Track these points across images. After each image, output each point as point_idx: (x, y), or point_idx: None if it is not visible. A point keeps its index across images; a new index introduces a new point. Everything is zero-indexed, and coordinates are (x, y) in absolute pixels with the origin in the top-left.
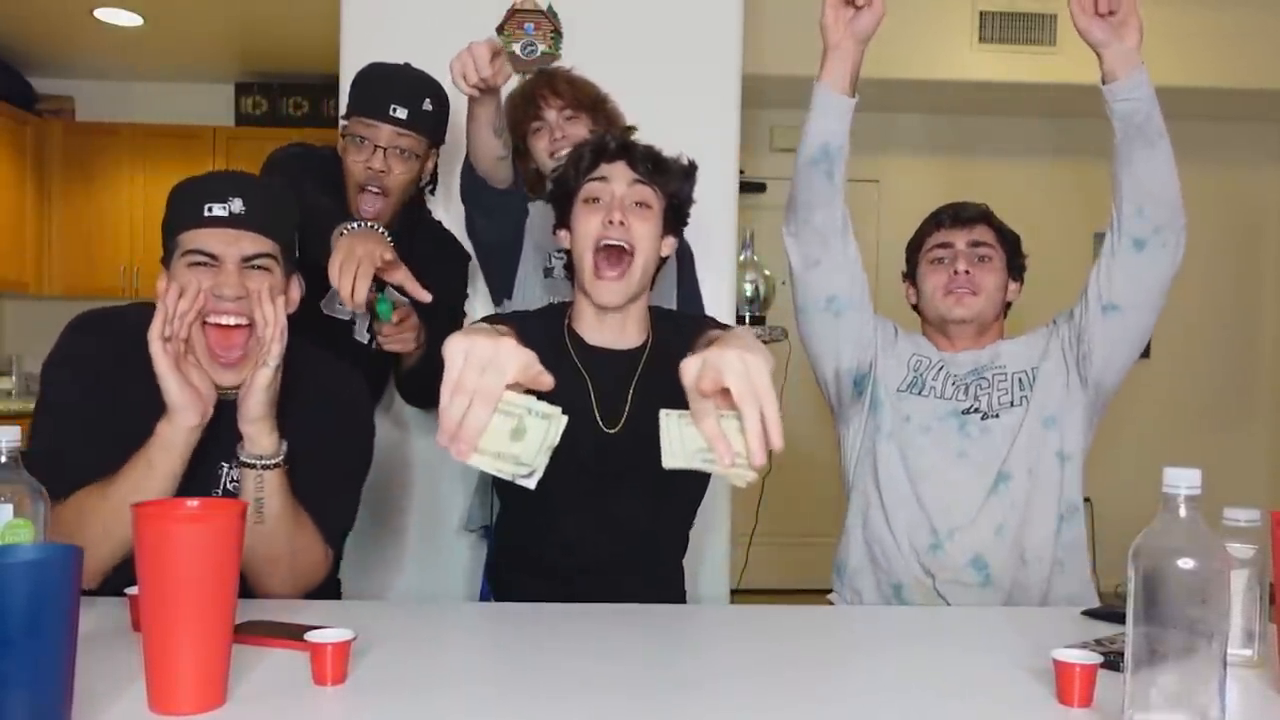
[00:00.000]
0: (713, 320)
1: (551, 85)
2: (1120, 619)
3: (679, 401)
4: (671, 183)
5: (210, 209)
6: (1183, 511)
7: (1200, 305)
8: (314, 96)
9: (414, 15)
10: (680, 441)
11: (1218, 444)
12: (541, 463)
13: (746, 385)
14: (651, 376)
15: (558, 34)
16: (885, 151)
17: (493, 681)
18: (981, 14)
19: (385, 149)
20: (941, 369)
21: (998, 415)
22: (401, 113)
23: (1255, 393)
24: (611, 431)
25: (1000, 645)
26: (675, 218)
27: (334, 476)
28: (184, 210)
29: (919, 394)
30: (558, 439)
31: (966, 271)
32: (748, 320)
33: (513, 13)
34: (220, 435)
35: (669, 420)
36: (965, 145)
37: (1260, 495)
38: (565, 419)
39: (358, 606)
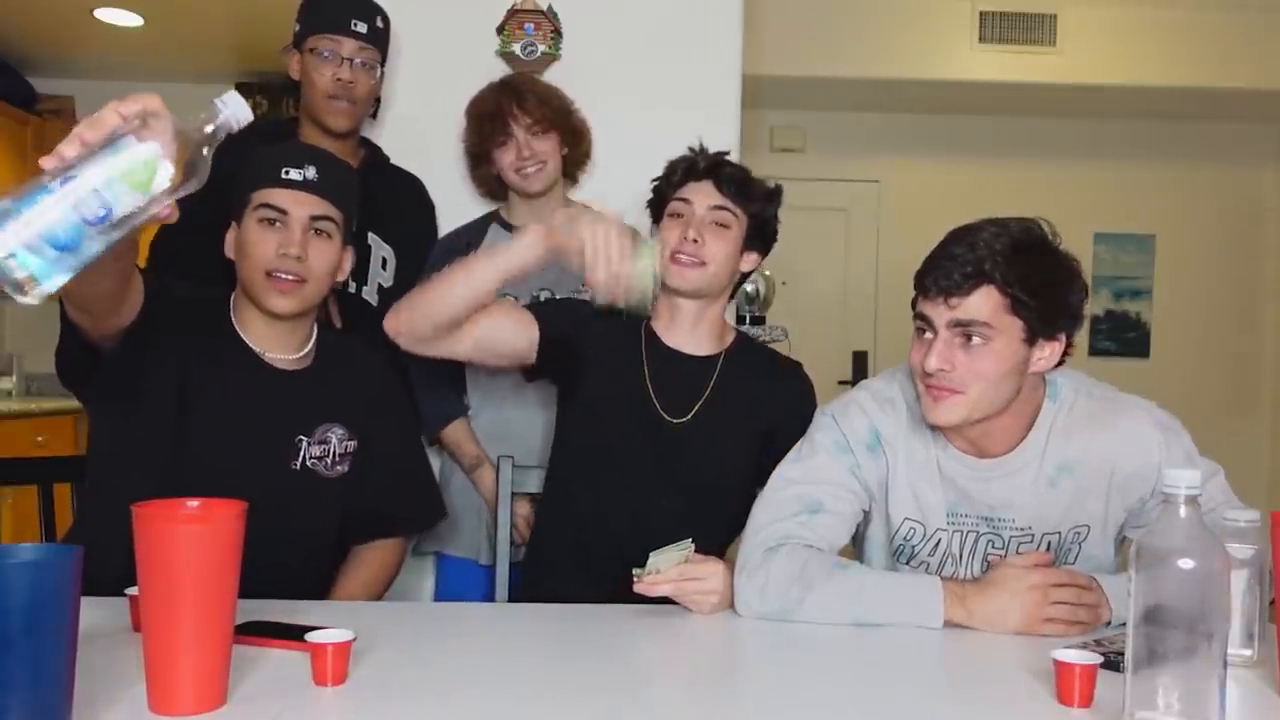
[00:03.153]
0: (796, 377)
1: (521, 103)
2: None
3: (748, 411)
4: (754, 204)
5: (287, 172)
6: (1182, 511)
7: (1200, 305)
8: None
9: (414, 15)
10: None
11: (1217, 444)
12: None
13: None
14: (726, 384)
15: (558, 34)
16: (885, 151)
17: (493, 682)
18: (981, 14)
19: (351, 60)
20: (937, 544)
21: None
22: (362, 27)
23: (1255, 393)
24: (677, 421)
25: (1000, 645)
26: (759, 235)
27: (408, 459)
28: (263, 171)
29: (907, 562)
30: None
31: (940, 369)
32: (748, 320)
33: (513, 13)
34: (294, 407)
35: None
36: (965, 145)
37: (1260, 495)
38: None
39: (357, 607)
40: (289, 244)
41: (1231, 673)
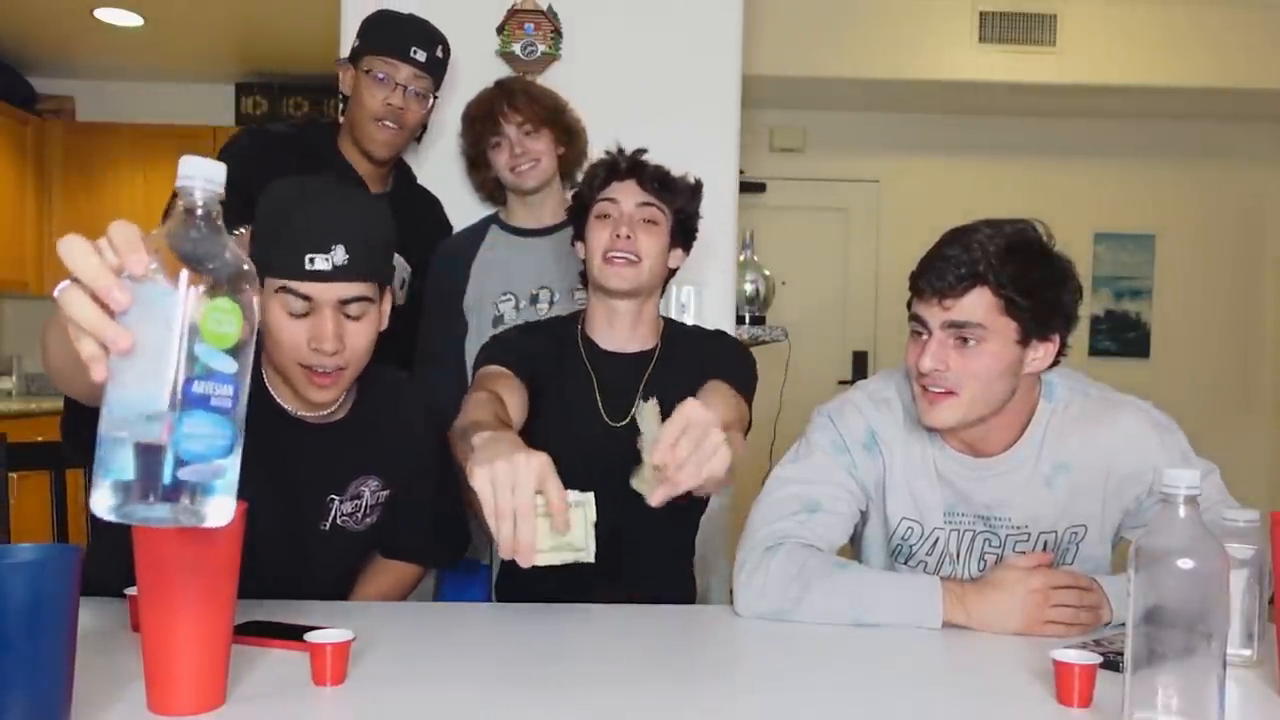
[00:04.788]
0: (723, 334)
1: (511, 101)
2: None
3: (687, 390)
4: (678, 200)
5: (312, 260)
6: (1182, 512)
7: (1200, 305)
8: (314, 96)
9: None
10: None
11: (1217, 444)
12: (591, 541)
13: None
14: (661, 376)
15: (558, 34)
16: (885, 151)
17: (493, 682)
18: (981, 14)
19: (405, 87)
20: (935, 543)
21: None
22: (421, 55)
23: (1255, 393)
24: (618, 425)
25: (1000, 645)
26: (683, 232)
27: (442, 502)
28: (283, 257)
29: (904, 562)
30: (595, 516)
31: (936, 370)
32: (748, 320)
33: (513, 13)
34: (327, 465)
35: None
36: (965, 145)
37: (1260, 495)
38: (592, 497)
39: (357, 607)
40: (323, 338)
41: (1231, 673)
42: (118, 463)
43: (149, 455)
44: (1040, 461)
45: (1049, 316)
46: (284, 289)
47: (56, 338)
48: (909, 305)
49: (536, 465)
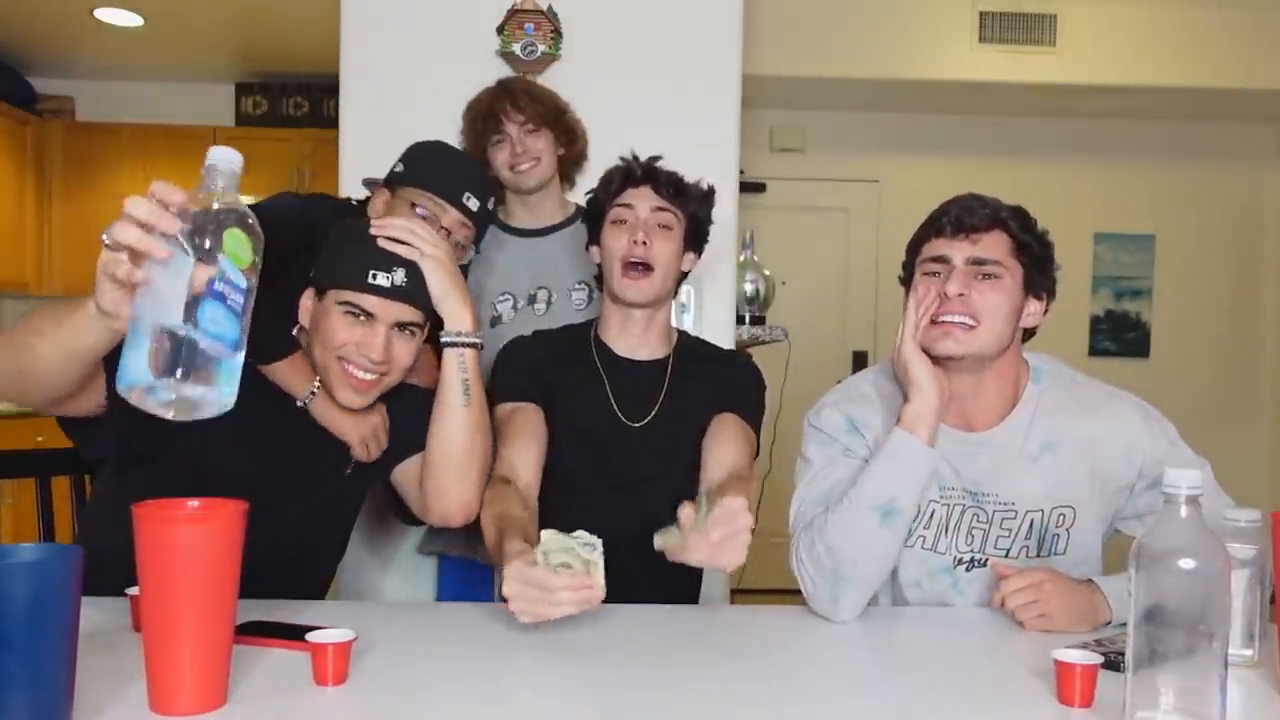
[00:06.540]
0: (735, 355)
1: (513, 100)
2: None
3: (703, 403)
4: (691, 204)
5: (374, 276)
6: (1183, 511)
7: (1200, 305)
8: (314, 96)
9: (414, 15)
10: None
11: (1218, 444)
12: (600, 577)
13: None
14: (680, 381)
15: (558, 34)
16: (885, 151)
17: (493, 682)
18: (981, 14)
19: (448, 232)
20: (931, 516)
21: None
22: (474, 204)
23: (1255, 393)
24: (637, 425)
25: (1000, 645)
26: (695, 236)
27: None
28: (348, 270)
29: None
30: (603, 561)
31: (960, 295)
32: (748, 320)
33: (513, 13)
34: (323, 448)
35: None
36: (965, 145)
37: (1261, 495)
38: (600, 546)
39: (358, 607)
40: (371, 347)
41: (1232, 672)
42: (145, 349)
43: (172, 339)
44: (1028, 440)
45: (1045, 269)
46: (346, 303)
47: (52, 342)
48: (917, 256)
49: (556, 582)
